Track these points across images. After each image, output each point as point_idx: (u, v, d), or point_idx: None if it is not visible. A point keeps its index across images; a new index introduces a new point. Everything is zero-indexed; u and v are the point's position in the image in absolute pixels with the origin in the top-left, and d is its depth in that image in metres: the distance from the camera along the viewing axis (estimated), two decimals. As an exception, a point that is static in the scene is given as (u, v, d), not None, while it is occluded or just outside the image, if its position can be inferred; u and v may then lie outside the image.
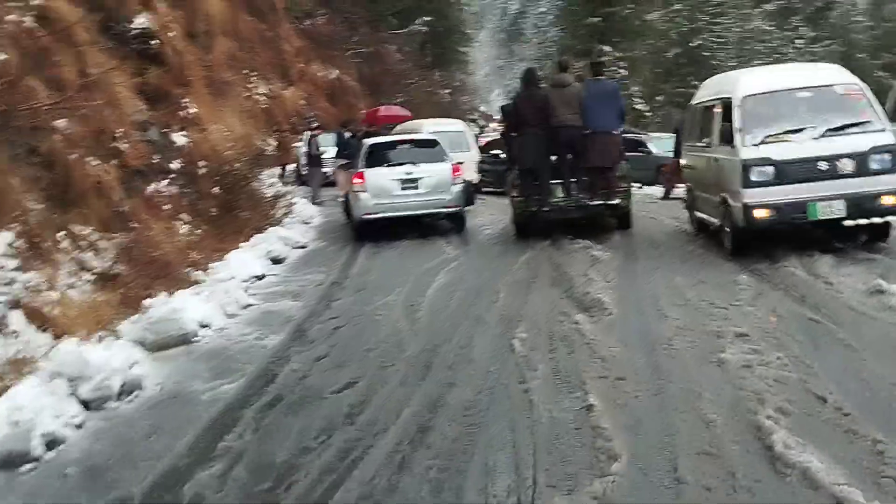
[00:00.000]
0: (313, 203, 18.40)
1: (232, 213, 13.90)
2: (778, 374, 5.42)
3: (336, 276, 10.54)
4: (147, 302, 8.05)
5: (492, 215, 15.40)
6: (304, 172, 22.18)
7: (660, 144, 19.75)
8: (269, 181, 20.48)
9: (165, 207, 12.14)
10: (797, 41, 42.27)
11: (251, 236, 12.69)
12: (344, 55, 39.89)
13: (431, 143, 13.43)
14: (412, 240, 12.81)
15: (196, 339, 7.73)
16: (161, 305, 7.93)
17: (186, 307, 8.03)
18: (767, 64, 41.85)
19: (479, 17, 70.15)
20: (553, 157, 12.07)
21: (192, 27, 16.85)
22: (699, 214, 10.82)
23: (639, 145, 19.31)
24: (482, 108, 59.56)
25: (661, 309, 7.36)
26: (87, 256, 9.62)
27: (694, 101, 11.48)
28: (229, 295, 8.95)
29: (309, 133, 20.78)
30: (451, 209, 13.12)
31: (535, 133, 11.96)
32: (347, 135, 18.89)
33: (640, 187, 17.34)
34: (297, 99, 35.08)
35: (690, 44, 41.22)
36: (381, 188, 12.89)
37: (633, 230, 12.09)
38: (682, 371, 5.69)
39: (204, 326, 7.99)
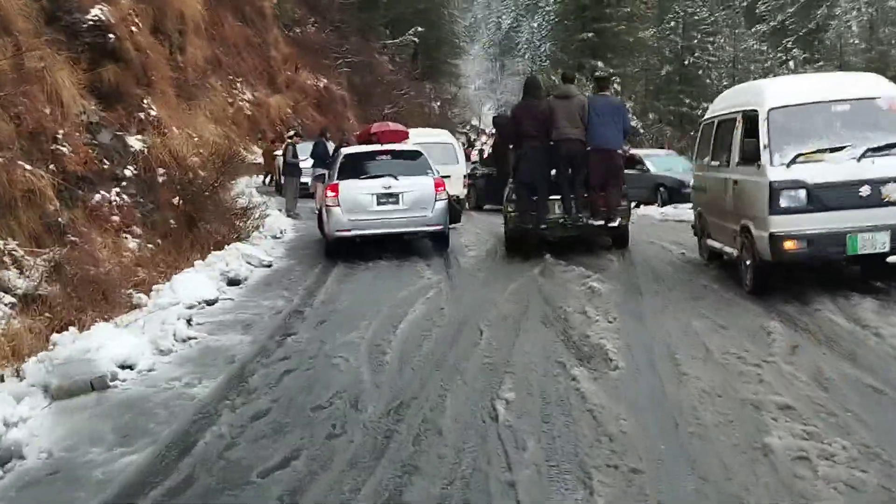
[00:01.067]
0: (288, 215, 16.91)
1: (193, 226, 12.43)
2: (848, 473, 3.96)
3: (298, 302, 9.05)
4: (56, 336, 6.56)
5: (478, 234, 13.97)
6: (283, 182, 20.71)
7: (659, 163, 18.52)
8: (246, 190, 19.32)
9: (114, 219, 10.64)
10: (790, 62, 41.05)
11: (211, 252, 11.22)
12: (333, 64, 38.52)
13: (413, 155, 11.98)
14: (389, 261, 11.36)
15: (113, 384, 6.21)
16: (73, 341, 6.45)
17: (106, 342, 6.53)
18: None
19: (471, 29, 68.94)
20: (552, 172, 11.08)
21: (161, 24, 15.34)
22: (711, 243, 9.36)
23: (636, 163, 17.85)
24: (473, 122, 58.24)
25: (678, 363, 5.88)
26: (8, 275, 8.14)
27: (708, 116, 10.04)
28: (166, 326, 7.44)
29: (287, 140, 19.28)
30: (433, 228, 11.66)
31: (535, 146, 10.94)
32: (331, 146, 17.46)
33: (637, 206, 16.03)
34: (283, 107, 33.61)
35: (684, 62, 40.08)
36: (356, 203, 11.42)
37: (634, 257, 10.67)
38: (717, 463, 4.19)
39: (126, 367, 6.48)
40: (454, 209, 14.40)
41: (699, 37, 39.26)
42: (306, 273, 10.90)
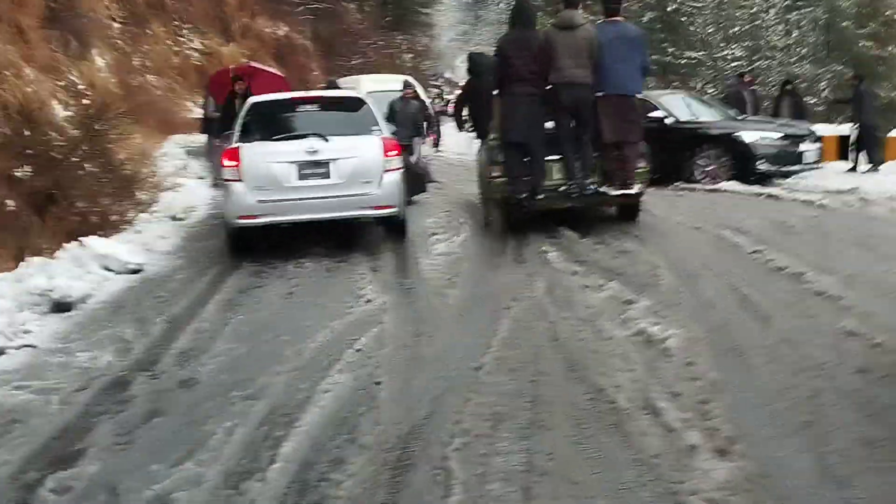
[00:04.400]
0: (214, 185, 12.68)
1: (47, 206, 8.31)
2: None
3: (139, 357, 4.94)
4: None
5: (449, 211, 9.84)
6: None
7: (682, 108, 12.17)
8: (173, 152, 15.07)
9: None
10: (776, 6, 36.96)
11: (57, 248, 7.12)
12: (295, 11, 33.81)
13: (353, 105, 7.81)
14: (318, 260, 7.27)
15: None
16: None
17: None
18: (747, 31, 36.78)
19: (444, -21, 63.75)
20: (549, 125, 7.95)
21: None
22: None
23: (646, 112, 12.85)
24: (447, 75, 53.55)
25: None
26: None
27: None
28: None
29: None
30: (381, 211, 7.54)
31: (527, 92, 7.83)
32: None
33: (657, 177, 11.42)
34: (238, 57, 29.04)
35: (666, 8, 36.07)
36: (266, 176, 7.27)
37: (682, 254, 6.69)
38: None
39: None
40: (417, 177, 10.33)
41: (683, -19, 35.16)
42: (188, 285, 6.76)
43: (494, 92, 8.32)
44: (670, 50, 35.29)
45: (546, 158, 7.90)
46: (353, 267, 7.03)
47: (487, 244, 7.78)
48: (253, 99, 7.86)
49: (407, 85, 11.80)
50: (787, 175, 11.33)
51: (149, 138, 15.31)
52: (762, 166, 11.03)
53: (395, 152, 7.56)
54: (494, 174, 8.15)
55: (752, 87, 16.00)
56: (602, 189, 8.00)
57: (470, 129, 10.76)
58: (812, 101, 26.44)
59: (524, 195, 7.87)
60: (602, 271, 6.27)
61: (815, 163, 11.72)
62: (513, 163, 7.93)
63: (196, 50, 26.28)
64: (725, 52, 35.46)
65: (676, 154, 11.19)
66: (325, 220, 7.49)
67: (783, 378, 3.89)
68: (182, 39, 25.78)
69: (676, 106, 11.97)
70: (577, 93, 7.75)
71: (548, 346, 4.62)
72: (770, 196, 9.75)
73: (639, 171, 8.04)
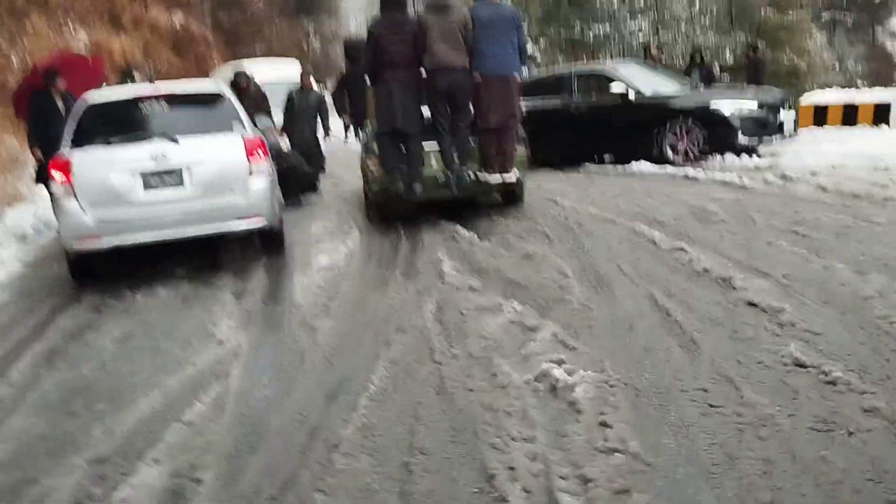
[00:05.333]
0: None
1: None
2: None
3: None
4: None
5: (340, 211, 8.72)
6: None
7: (644, 81, 10.66)
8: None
9: None
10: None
11: None
12: (192, -2, 31.95)
13: (209, 99, 6.57)
14: (175, 287, 6.04)
15: None
16: None
17: None
18: (651, 3, 36.30)
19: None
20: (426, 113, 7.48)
21: None
22: None
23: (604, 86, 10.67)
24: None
25: None
26: None
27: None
28: None
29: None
30: (249, 222, 6.35)
31: (401, 79, 7.31)
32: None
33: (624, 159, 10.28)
34: (130, 50, 27.08)
35: (573, -17, 35.22)
36: (104, 190, 6.00)
37: (601, 268, 5.69)
38: None
39: None
40: (303, 176, 9.19)
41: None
42: (6, 330, 5.49)
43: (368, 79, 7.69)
44: (578, 25, 34.60)
45: (424, 147, 7.45)
46: (214, 293, 5.86)
47: (377, 253, 6.70)
48: (87, 96, 6.53)
49: (306, 72, 10.49)
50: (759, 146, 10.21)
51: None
52: (743, 139, 9.87)
53: (262, 152, 6.37)
54: (371, 166, 7.71)
55: (660, 60, 15.27)
56: (482, 177, 7.53)
57: (349, 119, 9.79)
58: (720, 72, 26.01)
59: (402, 187, 7.40)
60: (502, 285, 5.26)
61: (793, 131, 10.62)
62: (389, 153, 7.43)
63: (82, 43, 24.35)
64: (631, 27, 34.96)
65: (640, 131, 10.14)
66: (183, 239, 6.26)
67: (725, 445, 2.91)
68: (66, 32, 23.82)
69: (637, 77, 10.65)
70: (452, 77, 7.24)
71: (429, 404, 3.57)
72: (687, 177, 8.91)
73: (518, 156, 7.72)
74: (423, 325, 4.62)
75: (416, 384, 3.80)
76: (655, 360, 3.76)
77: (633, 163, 9.96)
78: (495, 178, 7.55)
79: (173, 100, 6.41)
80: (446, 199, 7.67)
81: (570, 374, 3.61)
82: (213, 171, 6.18)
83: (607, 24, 35.15)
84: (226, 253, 6.86)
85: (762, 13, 34.89)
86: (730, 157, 9.72)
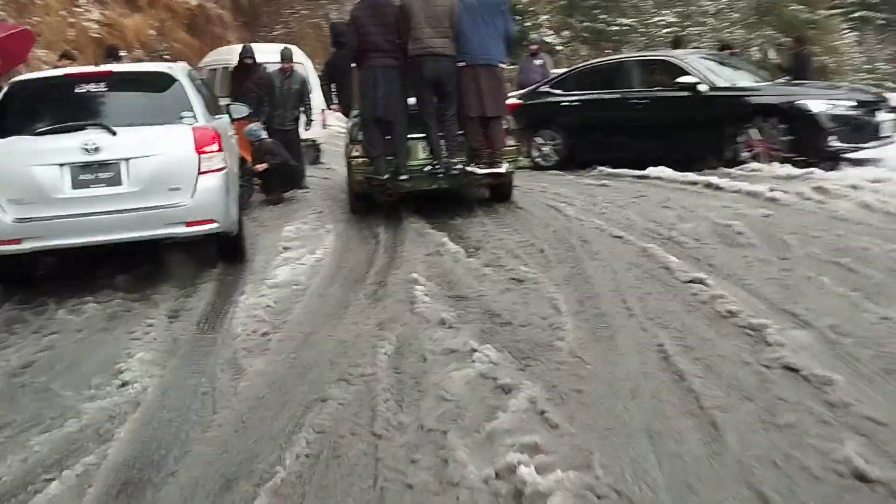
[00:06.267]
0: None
1: None
2: None
3: None
4: None
5: (319, 213, 7.77)
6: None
7: (716, 72, 9.26)
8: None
9: None
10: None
11: None
12: (210, -22, 30.93)
13: (156, 82, 5.56)
14: (107, 297, 5.13)
15: None
16: None
17: None
18: (679, 8, 34.86)
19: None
20: (411, 101, 7.12)
21: None
22: None
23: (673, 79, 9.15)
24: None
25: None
26: None
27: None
28: None
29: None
30: (197, 228, 5.34)
31: (385, 64, 6.99)
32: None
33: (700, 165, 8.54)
34: (144, 29, 26.17)
35: (596, -27, 33.93)
36: (25, 185, 5.03)
37: (603, 304, 4.64)
38: None
39: None
40: (289, 170, 8.27)
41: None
42: None
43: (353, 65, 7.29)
44: (602, 17, 33.31)
45: (410, 136, 7.08)
46: (148, 311, 4.89)
47: (347, 265, 5.72)
48: (18, 78, 5.55)
49: (286, 56, 9.48)
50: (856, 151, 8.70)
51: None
52: (834, 142, 8.37)
53: (215, 146, 5.38)
54: (354, 154, 7.25)
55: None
56: (469, 168, 7.11)
57: (334, 105, 8.86)
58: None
59: (386, 176, 7.00)
60: (481, 319, 4.26)
61: (890, 136, 8.83)
62: (373, 141, 7.03)
63: (95, 21, 23.47)
64: (657, 19, 33.62)
65: (711, 130, 8.78)
66: (117, 243, 5.30)
67: None
68: (79, 10, 22.95)
69: (709, 68, 9.23)
70: (438, 65, 6.86)
71: (347, 510, 2.59)
72: (710, 186, 7.82)
73: (508, 148, 7.27)
74: (372, 373, 3.62)
75: (340, 471, 2.81)
76: (661, 453, 2.75)
77: (651, 168, 8.86)
78: (483, 171, 7.09)
79: (114, 83, 5.41)
80: (431, 189, 7.25)
81: (543, 472, 2.61)
82: (155, 167, 5.20)
83: (631, 16, 33.86)
84: (178, 259, 5.89)
85: (790, 9, 33.49)
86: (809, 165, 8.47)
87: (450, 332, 4.09)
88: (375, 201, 7.49)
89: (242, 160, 8.32)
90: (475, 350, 3.76)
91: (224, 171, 5.45)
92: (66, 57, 10.36)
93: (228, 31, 31.55)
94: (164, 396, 3.61)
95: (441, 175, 7.06)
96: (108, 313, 4.92)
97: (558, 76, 11.07)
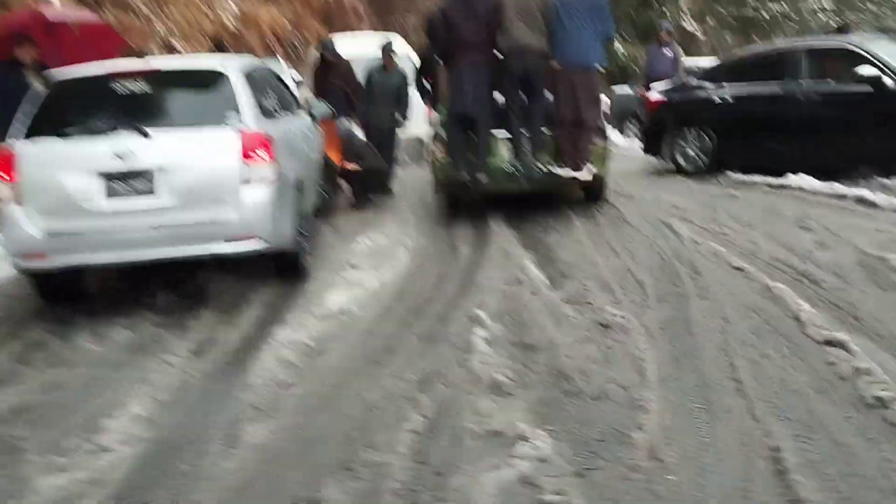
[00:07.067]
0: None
1: None
2: None
3: None
4: None
5: (402, 224, 6.98)
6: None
7: None
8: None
9: None
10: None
11: None
12: (344, -31, 30.86)
13: (203, 80, 4.88)
14: (138, 319, 4.54)
15: None
16: None
17: None
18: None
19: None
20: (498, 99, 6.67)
21: None
22: None
23: (854, 69, 7.51)
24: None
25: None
26: None
27: None
28: None
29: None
30: (242, 244, 4.65)
31: (473, 60, 6.50)
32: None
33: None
34: (279, 21, 26.32)
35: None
36: (58, 195, 4.49)
37: (706, 368, 3.61)
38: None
39: None
40: (376, 176, 7.61)
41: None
42: None
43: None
44: (752, 2, 30.87)
45: (495, 136, 6.66)
46: (173, 344, 4.22)
47: (414, 290, 4.89)
48: (56, 72, 5.02)
49: (387, 50, 8.68)
50: None
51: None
52: None
53: (264, 153, 4.67)
54: (437, 152, 6.93)
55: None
56: (554, 170, 6.65)
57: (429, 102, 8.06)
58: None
59: (467, 176, 6.62)
60: (545, 381, 3.35)
61: None
62: (455, 139, 6.68)
63: (231, 15, 23.71)
64: (812, 4, 30.82)
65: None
66: (152, 262, 4.69)
67: None
68: (216, 2, 23.24)
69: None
70: (528, 61, 6.45)
71: None
72: (862, 201, 6.48)
73: (596, 149, 6.72)
74: (386, 463, 2.77)
75: None
76: None
77: (790, 174, 7.53)
78: (567, 174, 6.63)
79: (159, 81, 4.79)
80: (515, 191, 6.83)
81: None
82: (194, 176, 4.55)
83: (783, 1, 31.23)
84: (230, 275, 5.24)
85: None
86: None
87: (501, 401, 3.19)
88: (463, 201, 7.08)
89: (328, 161, 7.67)
90: (523, 437, 2.84)
91: (275, 181, 4.72)
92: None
93: (362, 22, 31.44)
94: (134, 474, 2.90)
95: (525, 177, 6.61)
96: (131, 343, 4.30)
97: (712, 67, 9.39)
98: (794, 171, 7.50)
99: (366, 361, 3.79)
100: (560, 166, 6.60)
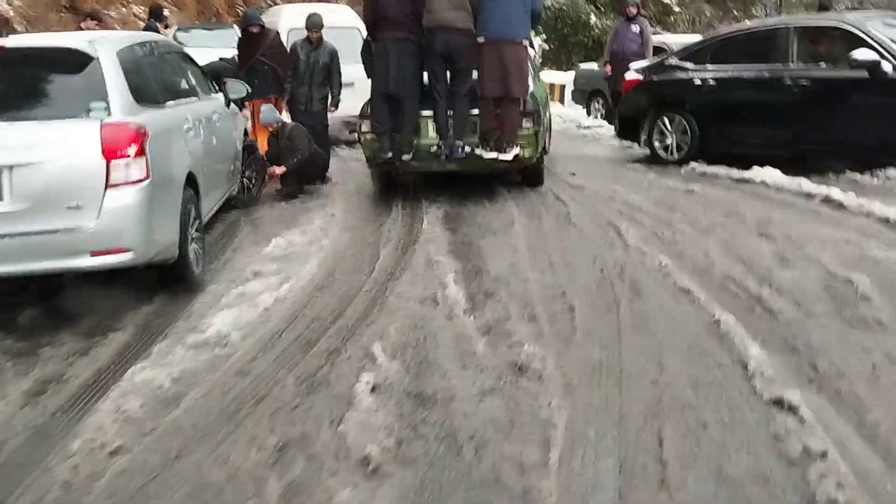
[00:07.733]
0: None
1: None
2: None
3: None
4: None
5: (329, 217, 6.24)
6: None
7: None
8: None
9: None
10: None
11: None
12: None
13: (63, 61, 4.09)
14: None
15: None
16: None
17: None
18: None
19: None
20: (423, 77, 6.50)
21: None
22: None
23: (853, 53, 6.67)
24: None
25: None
26: None
27: None
28: None
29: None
30: (105, 258, 3.90)
31: (398, 39, 6.28)
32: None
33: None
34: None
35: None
36: None
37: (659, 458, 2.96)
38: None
39: None
40: (313, 162, 6.88)
41: None
42: None
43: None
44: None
45: (421, 114, 6.46)
46: (12, 380, 3.49)
47: (314, 310, 4.17)
48: None
49: (314, 24, 7.66)
50: None
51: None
52: None
53: (134, 147, 3.90)
54: (364, 129, 6.66)
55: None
56: (478, 152, 6.41)
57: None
58: None
59: (390, 154, 6.45)
60: (429, 455, 2.66)
61: None
62: (380, 117, 6.44)
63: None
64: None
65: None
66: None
67: None
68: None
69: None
70: (451, 38, 6.20)
71: None
72: (828, 202, 5.81)
73: (524, 132, 6.41)
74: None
75: None
76: None
77: (756, 167, 6.85)
78: (489, 156, 6.36)
79: (5, 61, 4.00)
80: (440, 171, 6.64)
81: None
82: (47, 177, 3.77)
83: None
84: (114, 285, 4.50)
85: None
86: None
87: (364, 489, 2.50)
88: (397, 181, 7.06)
89: (251, 146, 6.89)
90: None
91: (146, 182, 3.96)
92: (93, 18, 9.02)
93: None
94: None
95: (447, 157, 6.43)
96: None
97: (694, 45, 8.49)
98: (762, 165, 6.80)
99: (222, 418, 3.08)
100: (485, 148, 6.35)
